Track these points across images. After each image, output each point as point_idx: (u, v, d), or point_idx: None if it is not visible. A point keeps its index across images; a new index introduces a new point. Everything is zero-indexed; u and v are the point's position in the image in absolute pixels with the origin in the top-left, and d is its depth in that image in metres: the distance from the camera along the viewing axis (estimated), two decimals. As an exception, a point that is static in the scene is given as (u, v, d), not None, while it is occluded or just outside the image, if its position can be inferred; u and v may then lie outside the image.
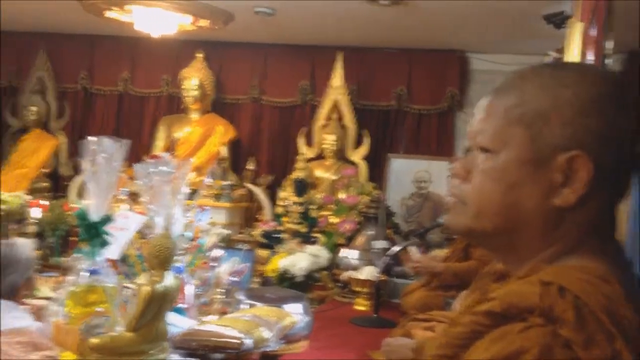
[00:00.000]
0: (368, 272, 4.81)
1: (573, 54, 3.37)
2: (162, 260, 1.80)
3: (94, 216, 1.91)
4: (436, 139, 6.83)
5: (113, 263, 2.27)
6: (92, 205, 1.92)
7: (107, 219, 1.91)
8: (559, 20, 4.74)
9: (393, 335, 2.90)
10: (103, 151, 1.94)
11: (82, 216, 1.89)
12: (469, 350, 0.86)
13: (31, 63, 7.52)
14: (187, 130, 7.06)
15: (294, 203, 5.73)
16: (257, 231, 5.88)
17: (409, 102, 6.86)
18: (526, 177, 0.94)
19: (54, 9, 6.26)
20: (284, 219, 5.82)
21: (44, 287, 4.02)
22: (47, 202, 5.64)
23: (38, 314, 2.91)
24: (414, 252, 4.25)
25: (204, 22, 5.83)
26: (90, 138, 1.95)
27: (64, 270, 4.04)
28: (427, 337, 2.43)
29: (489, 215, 0.97)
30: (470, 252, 4.06)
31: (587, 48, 3.25)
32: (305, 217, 5.72)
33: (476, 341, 0.85)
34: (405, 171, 6.53)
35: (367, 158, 6.69)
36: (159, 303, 1.75)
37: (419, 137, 6.88)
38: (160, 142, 7.18)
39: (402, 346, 2.40)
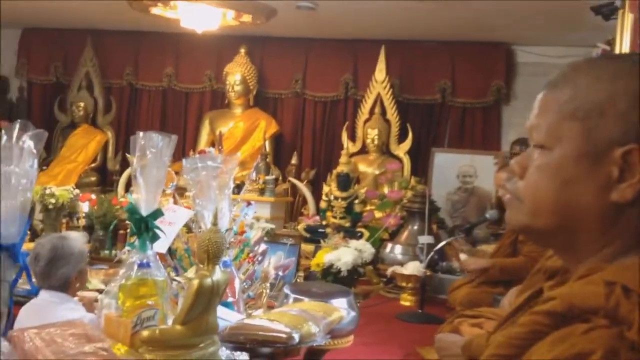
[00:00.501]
0: (413, 268, 4.77)
1: (624, 45, 3.27)
2: (211, 254, 1.81)
3: (144, 211, 1.92)
4: (481, 133, 6.74)
5: (161, 257, 2.30)
6: (142, 200, 1.94)
7: (157, 214, 1.92)
8: (608, 12, 4.60)
9: (441, 331, 2.87)
10: (152, 146, 1.95)
11: (133, 211, 1.91)
12: (530, 352, 0.84)
13: (78, 60, 7.67)
14: (231, 125, 7.11)
15: (338, 198, 5.72)
16: (301, 225, 5.89)
17: (453, 95, 6.78)
18: (581, 173, 0.91)
19: (101, 6, 6.36)
20: (328, 213, 5.82)
21: (95, 279, 4.11)
22: (95, 196, 5.76)
23: (89, 305, 2.98)
24: (463, 256, 4.20)
25: (246, 18, 5.86)
26: (139, 133, 1.96)
27: (114, 262, 4.13)
28: (476, 333, 2.40)
29: (545, 213, 0.94)
30: (519, 248, 3.99)
31: (638, 39, 3.15)
32: (348, 211, 5.71)
33: (536, 342, 0.83)
34: (449, 165, 6.45)
35: (411, 152, 6.64)
36: (208, 297, 1.76)
37: (463, 131, 6.80)
38: (204, 137, 7.25)
39: (453, 343, 2.37)
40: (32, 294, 1.34)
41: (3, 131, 1.19)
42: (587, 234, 0.93)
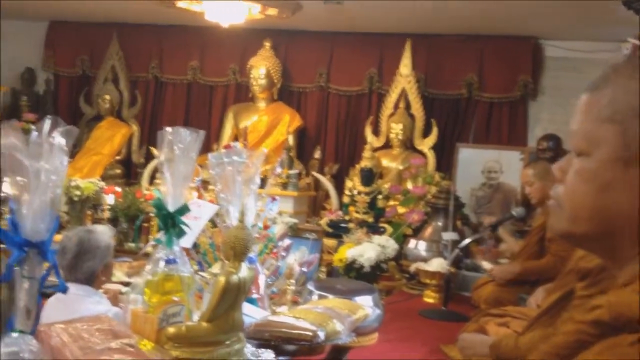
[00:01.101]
0: (437, 264, 4.73)
1: (657, 40, 3.20)
2: (237, 251, 1.79)
3: (171, 206, 1.92)
4: (507, 129, 6.66)
5: (186, 251, 2.30)
6: (169, 196, 1.93)
7: (183, 209, 1.92)
8: (639, 6, 4.51)
9: (466, 330, 2.84)
10: (180, 141, 1.94)
11: (159, 206, 1.90)
12: (575, 361, 0.81)
13: (104, 53, 7.72)
14: (255, 119, 7.11)
15: (361, 192, 5.69)
16: (324, 220, 5.88)
17: (479, 90, 6.71)
18: (618, 177, 0.89)
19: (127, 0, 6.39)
20: (351, 208, 5.79)
21: (119, 271, 4.14)
22: (120, 189, 5.80)
23: (114, 298, 2.99)
24: (486, 264, 4.16)
25: (272, 11, 5.85)
26: (167, 128, 1.95)
27: (139, 256, 4.16)
28: (504, 334, 2.36)
29: (583, 219, 0.93)
30: (546, 246, 3.93)
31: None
32: (372, 206, 5.68)
33: (581, 351, 0.81)
34: (474, 161, 6.39)
35: (435, 147, 6.59)
36: (234, 294, 1.75)
37: (489, 127, 6.73)
38: (228, 130, 7.27)
39: (477, 342, 2.34)
40: (61, 291, 1.33)
41: (33, 127, 1.19)
42: (627, 240, 0.91)
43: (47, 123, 1.19)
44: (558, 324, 2.06)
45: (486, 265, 4.15)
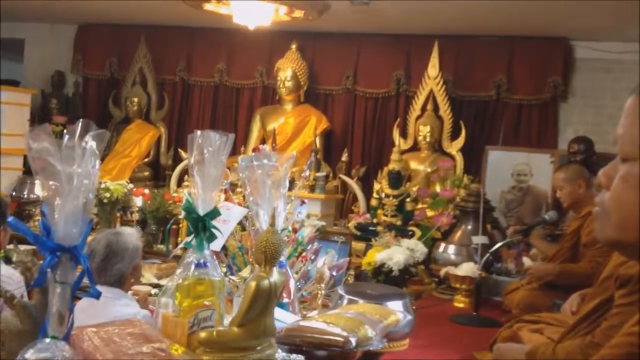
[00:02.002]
0: (468, 269, 4.67)
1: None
2: (268, 256, 1.77)
3: (201, 210, 1.90)
4: (537, 131, 6.56)
5: (216, 255, 2.28)
6: (199, 199, 1.92)
7: (214, 213, 1.90)
8: (672, 5, 4.41)
9: (499, 336, 2.78)
10: (209, 145, 1.92)
11: (190, 210, 1.89)
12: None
13: (132, 55, 7.78)
14: (281, 121, 7.11)
15: (389, 195, 5.64)
16: (352, 223, 5.84)
17: (508, 92, 6.62)
18: None
19: (155, 3, 6.43)
20: (379, 211, 5.75)
21: (148, 273, 4.15)
22: (148, 191, 5.83)
23: (144, 300, 2.99)
24: (527, 260, 4.08)
25: (298, 13, 5.83)
26: (196, 132, 1.94)
27: (170, 258, 4.16)
28: (540, 342, 2.30)
29: (630, 227, 0.89)
30: (582, 252, 3.85)
31: None
32: (400, 209, 5.63)
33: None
34: (504, 164, 6.30)
35: (464, 150, 6.51)
36: (266, 299, 1.73)
37: (518, 129, 6.63)
38: (255, 132, 7.27)
39: (513, 351, 2.28)
40: (94, 296, 1.32)
41: (65, 131, 1.17)
42: None
43: (79, 127, 1.18)
44: (597, 332, 2.01)
45: (527, 261, 4.06)
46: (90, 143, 1.16)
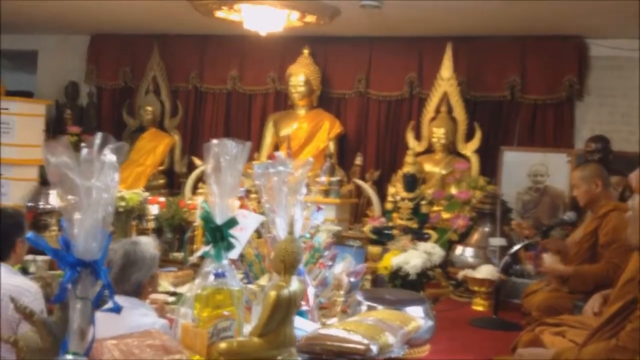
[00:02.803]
0: (486, 271, 4.62)
1: None
2: (287, 264, 1.76)
3: (219, 219, 1.89)
4: (553, 130, 6.50)
5: (232, 262, 2.27)
6: (216, 208, 1.91)
7: (231, 222, 1.89)
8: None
9: (520, 339, 2.75)
10: (226, 154, 1.91)
11: (207, 219, 1.88)
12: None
13: (145, 64, 7.80)
14: (295, 127, 7.10)
15: (404, 199, 5.61)
16: (367, 227, 5.81)
17: (522, 92, 6.57)
18: None
19: (167, 11, 6.45)
20: (394, 214, 5.71)
21: (164, 281, 4.15)
22: (164, 199, 5.83)
23: (161, 309, 2.98)
24: (547, 257, 4.03)
25: (310, 18, 5.82)
26: (213, 140, 1.93)
27: (188, 267, 4.15)
28: (565, 347, 2.27)
29: None
30: (599, 252, 3.80)
31: None
32: (415, 213, 5.59)
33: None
34: (519, 164, 6.25)
35: (479, 151, 6.46)
36: (285, 308, 1.72)
37: (534, 129, 6.58)
38: (268, 139, 7.26)
39: (536, 355, 2.25)
40: (114, 311, 1.31)
41: (83, 144, 1.17)
42: None
43: (97, 140, 1.17)
44: (622, 335, 1.98)
45: (547, 258, 4.00)
46: (109, 156, 1.16)
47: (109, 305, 1.38)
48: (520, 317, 4.18)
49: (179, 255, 5.27)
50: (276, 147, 7.18)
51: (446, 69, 6.47)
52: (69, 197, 1.13)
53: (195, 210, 5.31)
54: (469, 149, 6.45)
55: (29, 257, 3.97)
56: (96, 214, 1.13)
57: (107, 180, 1.15)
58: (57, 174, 1.14)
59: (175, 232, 5.59)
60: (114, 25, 7.51)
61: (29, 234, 1.21)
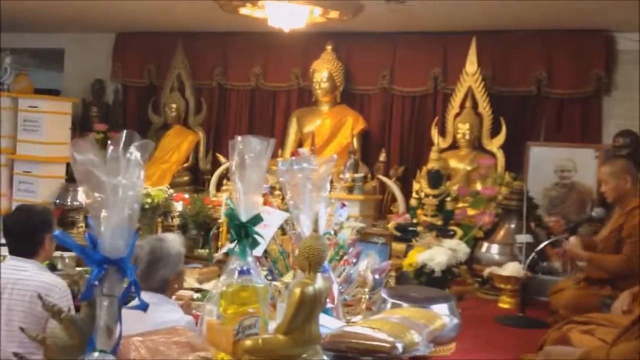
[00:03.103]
0: (512, 269, 4.58)
1: None
2: (312, 262, 1.75)
3: (243, 216, 1.89)
4: (580, 125, 6.41)
5: (257, 259, 2.27)
6: (241, 205, 1.90)
7: (256, 219, 1.89)
8: None
9: (548, 338, 2.72)
10: (250, 151, 1.91)
11: (232, 217, 1.88)
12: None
13: (170, 62, 7.85)
14: (318, 123, 7.09)
15: (429, 195, 5.57)
16: (391, 224, 5.79)
17: (549, 86, 6.47)
18: None
19: (191, 9, 6.48)
20: (419, 211, 5.68)
21: (190, 277, 4.18)
22: (188, 196, 5.87)
23: (187, 306, 3.00)
24: (572, 239, 3.97)
25: (333, 14, 5.80)
26: (237, 137, 1.92)
27: (214, 263, 4.17)
28: (594, 346, 2.23)
29: None
30: (621, 246, 3.76)
31: None
32: (440, 209, 5.56)
33: None
34: (546, 160, 6.16)
35: (504, 147, 6.39)
36: (310, 306, 1.71)
37: (560, 124, 6.49)
38: (292, 135, 7.27)
39: (565, 354, 2.22)
40: (141, 308, 1.31)
41: (109, 142, 1.17)
42: None
43: (122, 138, 1.17)
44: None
45: (572, 240, 3.96)
46: (135, 154, 1.16)
47: (136, 302, 1.38)
48: (548, 315, 4.13)
49: (204, 251, 5.31)
50: (300, 144, 7.19)
51: (471, 64, 6.41)
52: (96, 194, 1.13)
53: (219, 207, 5.34)
54: (495, 144, 6.39)
55: (57, 253, 4.02)
56: (122, 212, 1.13)
57: (133, 178, 1.15)
58: (84, 171, 1.14)
59: (200, 228, 5.62)
60: (139, 24, 7.57)
61: (57, 231, 1.22)
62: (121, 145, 1.16)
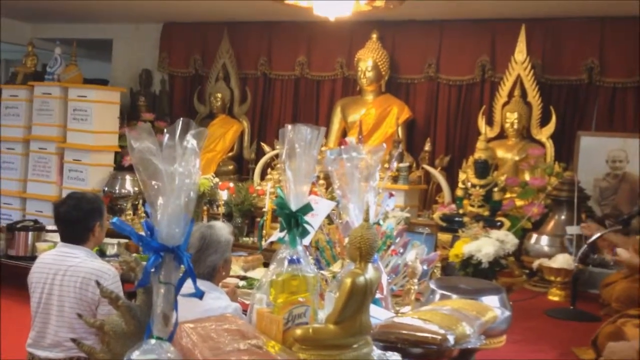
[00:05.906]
0: (563, 261, 4.48)
1: None
2: (363, 252, 1.73)
3: (293, 205, 1.88)
4: (633, 115, 6.22)
5: (304, 248, 2.26)
6: (291, 195, 1.89)
7: (306, 208, 1.87)
8: None
9: (601, 332, 2.65)
10: (301, 139, 1.89)
11: (282, 206, 1.87)
12: None
13: (215, 52, 7.90)
14: (362, 112, 7.04)
15: (476, 185, 5.49)
16: (437, 214, 5.73)
17: (601, 75, 6.30)
18: None
19: (236, -1, 6.50)
20: (465, 201, 5.61)
21: (235, 265, 4.20)
22: (233, 184, 5.91)
23: (232, 293, 3.01)
24: (621, 251, 3.86)
25: (379, 2, 5.73)
26: (287, 126, 1.91)
27: (261, 252, 4.19)
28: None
29: None
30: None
31: None
32: (487, 200, 5.47)
33: None
34: (597, 150, 6.01)
35: (554, 136, 6.25)
36: (361, 296, 1.69)
37: (612, 113, 6.31)
38: (336, 124, 7.24)
39: (626, 349, 2.16)
40: (197, 296, 1.31)
41: (166, 130, 1.17)
42: None
43: (179, 126, 1.17)
44: None
45: (621, 252, 3.85)
46: (191, 142, 1.15)
47: (190, 289, 1.38)
48: (599, 308, 4.04)
49: (248, 239, 5.34)
50: (344, 133, 7.16)
51: (520, 52, 6.28)
52: (152, 182, 1.13)
53: (264, 196, 5.36)
54: (544, 134, 6.25)
55: (107, 240, 4.09)
56: (179, 200, 1.13)
57: (189, 166, 1.15)
58: (141, 159, 1.14)
59: (244, 217, 5.66)
60: (185, 14, 7.63)
61: (115, 219, 1.23)
62: (177, 133, 1.16)
